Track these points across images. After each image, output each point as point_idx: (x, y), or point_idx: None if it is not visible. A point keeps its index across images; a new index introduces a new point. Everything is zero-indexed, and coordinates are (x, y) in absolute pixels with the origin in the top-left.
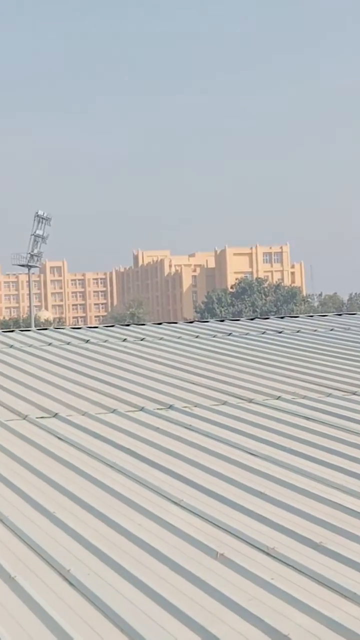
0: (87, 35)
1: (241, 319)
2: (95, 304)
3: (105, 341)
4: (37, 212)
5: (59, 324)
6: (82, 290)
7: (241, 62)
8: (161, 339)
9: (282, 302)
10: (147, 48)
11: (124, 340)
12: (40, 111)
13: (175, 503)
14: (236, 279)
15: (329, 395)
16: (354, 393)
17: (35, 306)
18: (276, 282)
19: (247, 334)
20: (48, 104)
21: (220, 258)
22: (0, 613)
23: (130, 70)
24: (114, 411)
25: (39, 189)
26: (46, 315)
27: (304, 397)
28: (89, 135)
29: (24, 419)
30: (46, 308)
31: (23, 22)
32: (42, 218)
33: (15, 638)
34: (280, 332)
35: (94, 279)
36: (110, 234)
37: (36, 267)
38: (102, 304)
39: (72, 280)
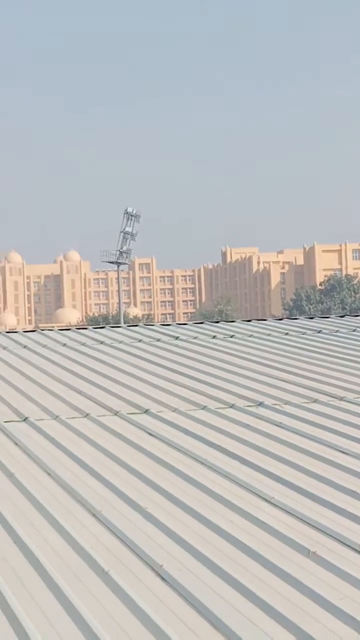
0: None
1: (331, 316)
2: (183, 301)
3: (195, 338)
4: (126, 209)
5: (147, 320)
6: (171, 287)
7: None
8: (251, 336)
9: None
10: None
11: (214, 337)
12: (131, 107)
13: (266, 500)
14: (325, 276)
15: None
16: None
17: (124, 303)
18: None
19: (337, 331)
20: (139, 102)
21: (309, 255)
22: (94, 607)
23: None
24: (204, 408)
25: (129, 186)
26: (135, 311)
27: None
28: (180, 132)
29: (115, 414)
30: (135, 305)
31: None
32: (132, 215)
33: (109, 631)
34: None
35: (182, 275)
36: (199, 230)
37: (125, 264)
38: (190, 300)
39: (160, 277)
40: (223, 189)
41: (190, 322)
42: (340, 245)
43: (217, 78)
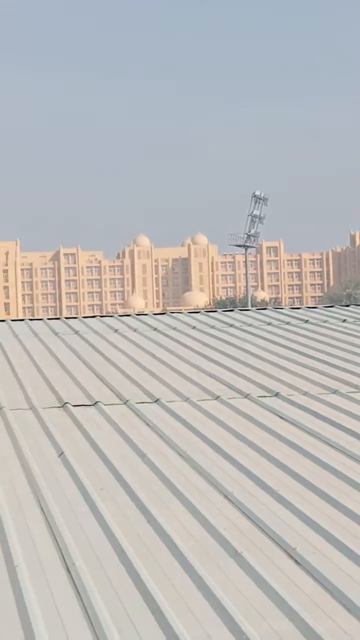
0: None
1: None
2: (311, 285)
3: (325, 322)
4: (254, 193)
5: (274, 304)
6: (298, 270)
7: None
8: None
9: None
10: None
11: (344, 320)
12: (256, 90)
13: None
14: None
15: None
16: None
17: (252, 286)
18: None
19: None
20: (267, 84)
21: None
22: (227, 587)
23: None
24: (335, 392)
25: (257, 169)
26: (262, 295)
27: None
28: (306, 114)
29: (246, 397)
30: (262, 288)
31: None
32: (259, 198)
33: (242, 612)
34: None
35: (310, 259)
36: (327, 214)
37: (253, 247)
38: (317, 284)
39: (288, 260)
40: (350, 171)
41: (320, 306)
42: None
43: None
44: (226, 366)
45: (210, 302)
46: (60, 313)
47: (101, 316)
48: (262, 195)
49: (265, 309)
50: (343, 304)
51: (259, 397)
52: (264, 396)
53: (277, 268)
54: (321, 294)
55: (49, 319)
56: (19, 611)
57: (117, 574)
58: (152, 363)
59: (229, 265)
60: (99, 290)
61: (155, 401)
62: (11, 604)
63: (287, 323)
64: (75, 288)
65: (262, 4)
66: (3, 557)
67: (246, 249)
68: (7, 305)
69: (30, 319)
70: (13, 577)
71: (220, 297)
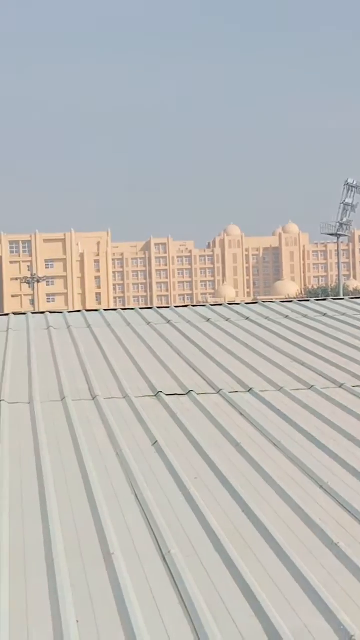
0: None
1: None
2: None
3: None
4: (347, 180)
5: None
6: None
7: None
8: None
9: None
10: None
11: None
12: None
13: None
14: None
15: None
16: None
17: (344, 275)
18: None
19: None
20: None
21: None
22: (324, 577)
23: None
24: None
25: (349, 156)
26: (355, 284)
27: None
28: None
29: (340, 387)
30: (354, 277)
31: None
32: (352, 186)
33: (340, 602)
34: None
35: None
36: None
37: (345, 235)
38: None
39: None
40: None
41: None
42: None
43: None
44: (320, 355)
45: (301, 291)
46: (151, 303)
47: (193, 305)
48: (355, 183)
49: (359, 298)
50: None
51: (353, 386)
52: (359, 386)
53: None
54: None
55: (141, 308)
56: (115, 598)
57: (213, 563)
58: (245, 352)
59: (321, 254)
60: (190, 279)
61: (249, 390)
62: (108, 591)
63: None
64: (166, 278)
65: None
66: (99, 545)
67: (338, 238)
68: (98, 295)
69: (123, 309)
70: (109, 564)
71: (312, 286)
